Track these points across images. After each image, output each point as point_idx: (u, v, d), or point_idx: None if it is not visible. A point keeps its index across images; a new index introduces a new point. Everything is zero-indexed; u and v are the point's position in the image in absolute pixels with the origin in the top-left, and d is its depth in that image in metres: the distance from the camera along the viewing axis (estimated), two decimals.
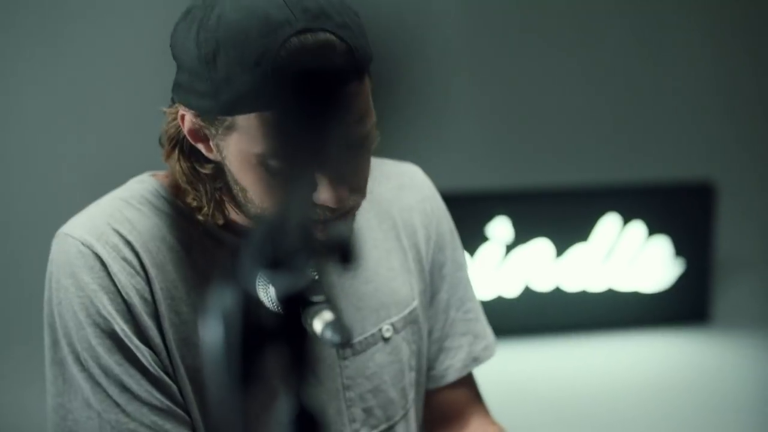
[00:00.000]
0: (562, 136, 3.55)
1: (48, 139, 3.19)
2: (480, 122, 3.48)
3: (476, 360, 1.30)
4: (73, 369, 1.01)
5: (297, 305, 0.75)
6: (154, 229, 1.04)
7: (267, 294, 0.80)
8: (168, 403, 1.02)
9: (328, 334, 0.71)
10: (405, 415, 1.21)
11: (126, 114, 3.09)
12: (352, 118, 0.95)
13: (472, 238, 3.40)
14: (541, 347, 3.46)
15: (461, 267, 1.30)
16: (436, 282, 1.27)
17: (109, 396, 1.00)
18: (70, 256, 1.00)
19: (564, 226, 3.50)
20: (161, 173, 1.10)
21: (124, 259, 1.01)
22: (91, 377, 1.00)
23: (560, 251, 3.48)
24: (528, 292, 3.48)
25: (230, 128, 0.94)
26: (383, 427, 1.18)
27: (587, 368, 3.33)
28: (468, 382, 1.32)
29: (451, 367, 1.28)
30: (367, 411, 1.17)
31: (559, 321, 3.52)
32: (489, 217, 3.41)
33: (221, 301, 0.58)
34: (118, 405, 1.00)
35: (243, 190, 0.99)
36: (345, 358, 1.15)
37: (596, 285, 3.54)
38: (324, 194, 0.96)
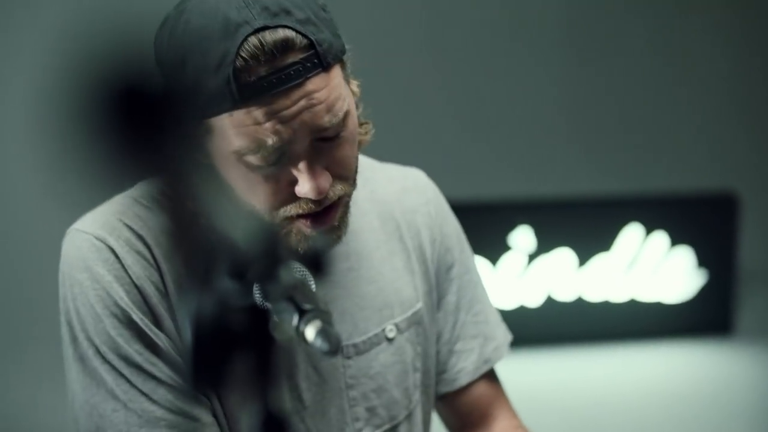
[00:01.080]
0: (586, 146, 3.55)
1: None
2: (503, 132, 3.48)
3: (488, 362, 1.29)
4: (95, 363, 1.01)
5: (287, 311, 0.78)
6: (163, 225, 1.05)
7: (261, 301, 0.83)
8: (190, 387, 1.04)
9: (318, 342, 0.72)
10: (408, 416, 1.22)
11: None
12: (321, 108, 0.96)
13: (495, 247, 3.40)
14: (563, 357, 3.46)
15: (470, 269, 1.30)
16: (443, 284, 1.27)
17: (133, 386, 1.01)
18: (83, 251, 1.02)
19: (587, 235, 3.50)
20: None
21: (138, 252, 1.02)
22: (113, 369, 1.01)
23: (583, 261, 3.48)
24: (550, 302, 3.48)
25: (208, 131, 0.96)
26: (386, 426, 1.19)
27: (609, 378, 3.32)
28: (490, 381, 1.31)
29: (463, 370, 1.28)
30: (371, 410, 1.17)
31: (581, 331, 3.52)
32: (511, 227, 3.42)
33: (203, 302, 0.59)
34: (143, 393, 1.01)
35: (230, 187, 1.01)
36: (348, 358, 1.15)
37: (618, 295, 3.53)
38: (303, 186, 0.98)
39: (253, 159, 0.96)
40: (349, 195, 1.06)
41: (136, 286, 1.01)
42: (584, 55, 3.52)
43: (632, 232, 3.50)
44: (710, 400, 3.18)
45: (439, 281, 1.27)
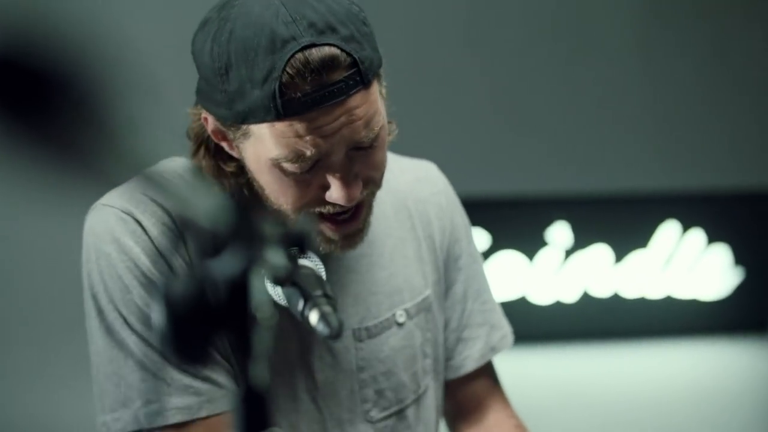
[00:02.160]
0: (624, 142, 3.54)
1: None
2: (542, 128, 3.48)
3: (494, 349, 1.33)
4: (123, 334, 1.03)
5: (294, 296, 0.80)
6: (186, 200, 1.07)
7: (273, 288, 0.85)
8: (219, 357, 1.06)
9: (320, 327, 0.77)
10: (417, 400, 1.24)
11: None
12: (360, 124, 0.98)
13: (532, 242, 3.41)
14: (599, 353, 3.45)
15: (476, 259, 1.33)
16: (451, 273, 1.30)
17: (162, 355, 1.03)
18: (110, 224, 1.04)
19: (623, 232, 3.49)
20: (178, 159, 1.14)
21: (164, 224, 1.05)
22: (141, 339, 1.03)
23: (619, 257, 3.47)
24: (586, 298, 3.48)
25: (245, 135, 0.99)
26: (394, 409, 1.21)
27: (644, 375, 3.31)
28: (487, 373, 1.34)
29: (469, 357, 1.31)
30: (379, 393, 1.20)
31: (616, 327, 3.52)
32: (549, 222, 3.42)
33: (189, 279, 0.61)
34: (172, 363, 1.03)
35: (261, 188, 1.04)
36: (360, 341, 1.18)
37: (655, 292, 3.53)
38: (335, 193, 1.01)
39: (289, 166, 0.99)
40: (374, 194, 1.09)
41: (163, 256, 1.04)
42: (623, 52, 3.51)
43: (669, 229, 3.49)
44: (746, 398, 3.17)
45: (447, 270, 1.30)
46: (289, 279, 0.78)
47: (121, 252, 1.03)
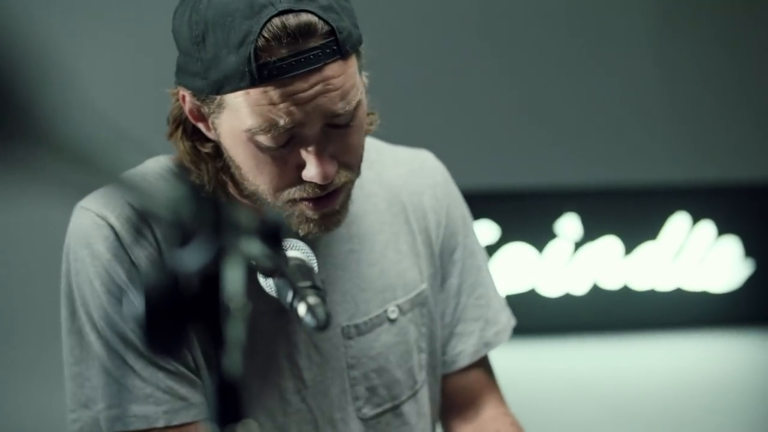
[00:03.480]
0: (633, 134, 3.53)
1: None
2: (550, 119, 3.47)
3: (488, 345, 1.32)
4: (91, 337, 1.04)
5: (283, 287, 0.79)
6: (167, 201, 1.08)
7: (264, 280, 0.85)
8: (181, 368, 1.06)
9: (308, 318, 0.76)
10: (413, 396, 1.24)
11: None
12: (336, 95, 0.97)
13: (541, 234, 3.40)
14: (609, 345, 3.45)
15: (473, 254, 1.32)
16: (446, 267, 1.29)
17: (126, 362, 1.04)
18: (85, 228, 1.05)
19: (633, 224, 3.48)
20: (162, 158, 1.15)
21: (138, 231, 1.05)
22: (107, 344, 1.04)
23: (629, 249, 3.46)
24: (596, 290, 3.47)
25: (220, 106, 0.99)
26: (388, 405, 1.21)
27: (654, 367, 3.31)
28: (482, 368, 1.33)
29: (462, 352, 1.30)
30: (371, 390, 1.19)
31: (626, 319, 3.51)
32: (558, 214, 3.41)
33: (166, 269, 0.62)
34: (134, 370, 1.04)
35: (237, 167, 1.04)
36: (350, 338, 1.18)
37: (665, 284, 3.51)
38: (310, 170, 1.00)
39: (263, 139, 0.98)
40: (352, 182, 1.08)
41: (134, 264, 1.04)
42: (634, 43, 3.49)
43: (679, 221, 3.48)
44: (757, 390, 3.17)
45: (443, 264, 1.29)
46: (278, 271, 0.79)
47: (94, 257, 1.04)
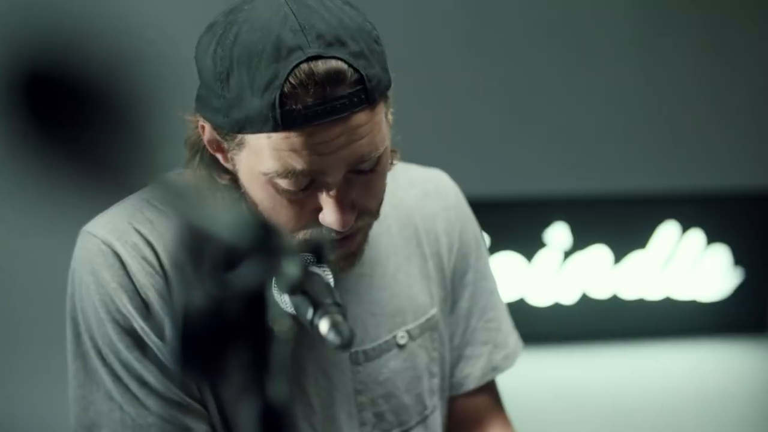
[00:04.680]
0: (623, 143, 3.53)
1: None
2: (539, 128, 3.47)
3: (496, 369, 1.30)
4: (95, 363, 1.03)
5: (303, 305, 0.78)
6: (174, 228, 1.05)
7: (280, 296, 0.82)
8: (185, 397, 1.05)
9: (331, 336, 0.73)
10: (423, 421, 1.22)
11: None
12: (361, 144, 0.95)
13: (530, 243, 3.40)
14: (598, 354, 3.44)
15: (485, 276, 1.30)
16: (457, 290, 1.27)
17: (129, 390, 1.03)
18: (91, 254, 1.03)
19: (622, 233, 3.48)
20: (186, 173, 1.11)
21: (144, 259, 1.03)
22: (112, 371, 1.03)
23: (618, 258, 3.46)
24: (585, 299, 3.47)
25: (240, 145, 0.96)
26: (396, 431, 1.19)
27: (643, 376, 3.30)
28: (489, 390, 1.32)
29: (470, 375, 1.28)
30: (378, 415, 1.17)
31: (616, 329, 3.50)
32: (547, 223, 3.41)
33: (202, 293, 0.59)
34: (137, 399, 1.03)
35: (254, 204, 1.01)
36: (358, 364, 1.16)
37: (654, 293, 3.51)
38: (329, 217, 0.98)
39: (282, 182, 0.96)
40: (370, 225, 1.06)
41: (139, 293, 1.02)
42: (621, 52, 3.50)
43: (668, 230, 3.48)
44: (746, 399, 3.16)
45: (454, 287, 1.27)
46: (299, 287, 0.76)
47: (99, 285, 1.02)
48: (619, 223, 3.50)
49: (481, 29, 3.35)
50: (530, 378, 3.25)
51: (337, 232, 0.99)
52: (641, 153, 3.54)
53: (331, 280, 0.87)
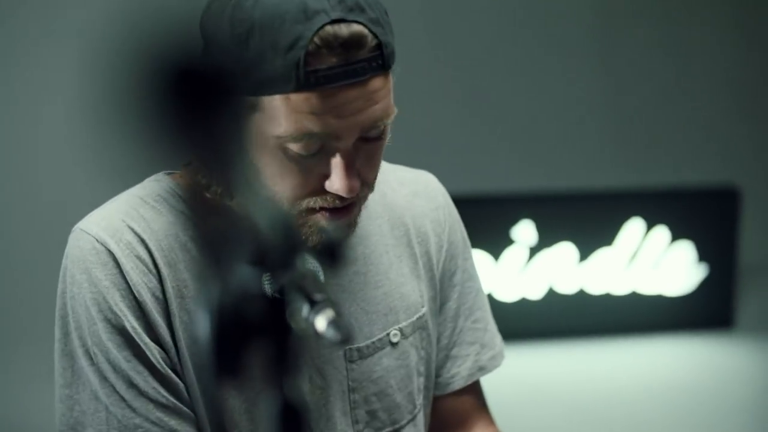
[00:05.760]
0: (587, 140, 3.57)
1: (48, 134, 3.20)
2: (505, 125, 3.50)
3: (482, 369, 1.30)
4: (83, 362, 1.03)
5: (297, 301, 0.78)
6: (168, 227, 1.05)
7: (271, 290, 0.83)
8: (174, 400, 1.04)
9: (330, 333, 0.71)
10: (413, 420, 1.22)
11: None
12: (376, 109, 0.97)
13: (497, 240, 3.42)
14: (565, 350, 3.48)
15: (472, 277, 1.30)
16: (445, 290, 1.27)
17: (116, 391, 1.02)
18: (84, 252, 1.02)
19: (588, 229, 3.52)
20: (177, 173, 1.11)
21: (138, 257, 1.02)
22: (99, 371, 1.02)
23: (584, 255, 3.50)
24: (552, 295, 3.50)
25: (253, 108, 0.96)
26: (388, 430, 1.19)
27: (610, 372, 3.34)
28: (474, 391, 1.32)
29: (456, 375, 1.28)
30: (371, 413, 1.18)
31: (582, 324, 3.54)
32: (514, 220, 3.43)
33: (221, 296, 0.60)
34: (124, 400, 1.02)
35: (257, 172, 1.00)
36: (352, 361, 1.16)
37: (620, 288, 3.55)
38: (336, 183, 0.98)
39: (294, 146, 0.96)
40: (366, 198, 1.07)
41: (132, 292, 1.02)
42: (585, 51, 3.53)
43: (633, 227, 3.52)
44: (711, 394, 3.19)
45: (442, 287, 1.27)
46: (292, 284, 0.75)
47: (91, 284, 1.01)
48: (585, 220, 3.53)
49: (446, 27, 3.37)
50: (497, 374, 3.27)
51: (341, 199, 1.00)
52: (606, 151, 3.58)
53: (322, 276, 0.87)
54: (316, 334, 0.74)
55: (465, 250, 1.30)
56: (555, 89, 3.51)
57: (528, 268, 3.46)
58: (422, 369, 1.24)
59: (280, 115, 0.94)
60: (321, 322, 0.72)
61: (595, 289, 3.53)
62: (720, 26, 3.64)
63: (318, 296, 0.73)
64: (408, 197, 1.25)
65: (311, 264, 0.86)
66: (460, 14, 3.38)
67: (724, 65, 3.67)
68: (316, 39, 0.91)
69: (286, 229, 0.69)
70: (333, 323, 0.72)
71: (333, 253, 0.78)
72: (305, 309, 0.74)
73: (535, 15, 3.47)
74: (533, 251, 3.46)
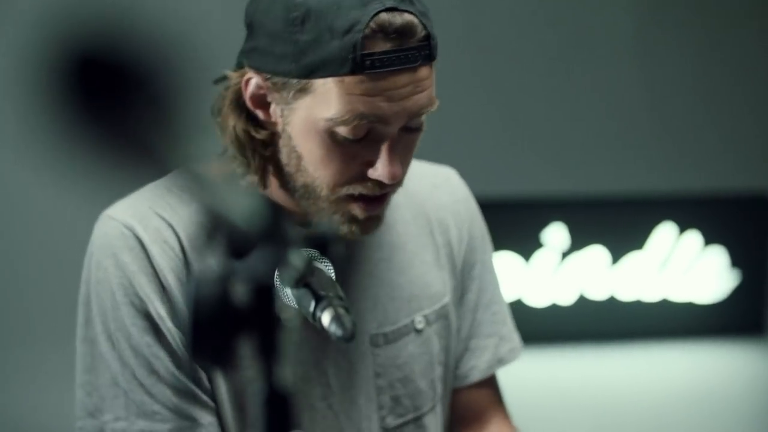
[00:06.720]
0: (620, 144, 3.54)
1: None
2: (537, 129, 3.47)
3: (501, 361, 1.32)
4: (104, 347, 1.03)
5: (305, 297, 0.79)
6: (194, 214, 1.06)
7: (282, 289, 0.83)
8: (193, 387, 1.05)
9: (333, 328, 0.75)
10: (433, 408, 1.23)
11: None
12: (423, 96, 1.00)
13: (528, 244, 3.40)
14: (595, 356, 3.45)
15: (490, 270, 1.33)
16: (465, 282, 1.29)
17: (135, 377, 1.03)
18: (111, 238, 1.04)
19: (620, 234, 3.49)
20: (206, 164, 1.13)
21: (165, 242, 1.04)
22: (120, 357, 1.03)
23: (615, 259, 3.47)
24: (582, 301, 3.47)
25: (304, 91, 0.98)
26: (410, 416, 1.20)
27: (640, 378, 3.31)
28: (491, 384, 1.33)
29: (475, 368, 1.30)
30: (395, 399, 1.19)
31: (612, 330, 3.51)
32: (545, 224, 3.41)
33: (212, 281, 0.61)
34: (143, 386, 1.03)
35: (299, 157, 1.03)
36: (377, 346, 1.17)
37: (651, 295, 3.52)
38: (380, 169, 1.01)
39: (342, 130, 0.99)
40: (395, 192, 1.09)
41: (158, 277, 1.03)
42: (620, 56, 3.50)
43: (665, 231, 3.48)
44: (742, 401, 3.17)
45: (463, 279, 1.29)
46: (302, 280, 0.77)
47: (118, 268, 1.03)
48: (617, 224, 3.50)
49: (478, 29, 3.36)
50: (527, 378, 3.25)
51: (381, 187, 1.03)
52: (639, 154, 3.55)
53: (333, 275, 0.88)
54: (323, 329, 0.75)
55: (484, 245, 1.33)
56: (588, 92, 3.48)
57: (559, 271, 3.43)
58: (442, 359, 1.25)
59: (333, 97, 0.97)
60: (326, 319, 0.76)
61: (626, 295, 3.50)
62: (757, 34, 3.61)
63: (323, 293, 0.78)
64: (429, 188, 1.27)
65: (323, 261, 0.89)
66: (494, 14, 3.36)
67: (761, 73, 3.63)
68: (372, 24, 0.95)
69: (287, 225, 0.69)
70: (336, 319, 0.75)
71: (327, 250, 0.79)
72: (312, 305, 0.78)
73: (571, 18, 3.45)
74: (564, 255, 3.43)
